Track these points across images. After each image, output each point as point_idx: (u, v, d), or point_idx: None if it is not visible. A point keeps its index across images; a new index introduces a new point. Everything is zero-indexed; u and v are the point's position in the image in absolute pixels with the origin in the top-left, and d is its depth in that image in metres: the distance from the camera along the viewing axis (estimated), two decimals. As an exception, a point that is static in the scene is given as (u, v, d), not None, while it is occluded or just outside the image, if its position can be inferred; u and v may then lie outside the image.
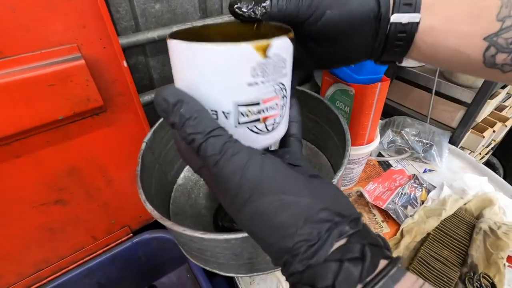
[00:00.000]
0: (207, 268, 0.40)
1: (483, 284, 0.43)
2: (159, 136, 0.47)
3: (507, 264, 0.47)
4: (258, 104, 0.20)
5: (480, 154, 1.07)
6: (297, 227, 0.17)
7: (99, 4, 0.35)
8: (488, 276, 0.44)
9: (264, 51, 0.19)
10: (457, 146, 0.79)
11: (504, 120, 0.96)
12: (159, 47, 0.56)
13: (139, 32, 0.50)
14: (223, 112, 0.20)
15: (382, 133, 0.75)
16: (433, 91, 0.76)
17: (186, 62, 0.20)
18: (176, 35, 0.22)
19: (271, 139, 0.24)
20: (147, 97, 0.55)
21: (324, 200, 0.18)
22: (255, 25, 0.24)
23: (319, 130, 0.51)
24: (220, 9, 0.59)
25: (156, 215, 0.33)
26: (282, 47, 0.20)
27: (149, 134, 0.44)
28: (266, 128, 0.22)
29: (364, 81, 0.51)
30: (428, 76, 0.78)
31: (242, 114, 0.20)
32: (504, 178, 0.85)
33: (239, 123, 0.21)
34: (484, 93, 0.68)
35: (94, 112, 0.41)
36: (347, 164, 0.36)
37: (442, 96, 0.78)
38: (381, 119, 0.78)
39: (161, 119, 0.47)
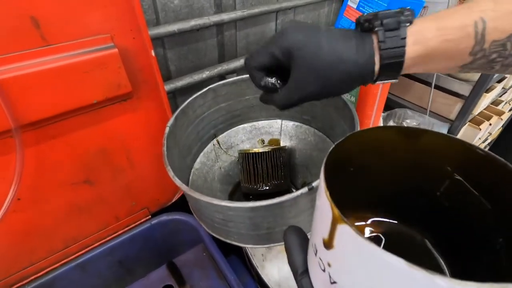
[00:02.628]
0: (228, 241, 0.43)
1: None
2: (180, 121, 0.51)
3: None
4: None
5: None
6: None
7: (131, -3, 0.39)
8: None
9: None
10: (455, 137, 0.83)
11: (500, 114, 1.00)
12: (177, 40, 0.59)
13: (160, 25, 0.53)
14: None
15: (384, 125, 0.79)
16: (433, 85, 0.80)
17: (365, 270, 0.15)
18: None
19: None
20: (166, 86, 0.58)
21: None
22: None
23: (327, 117, 0.55)
24: (233, 5, 0.63)
25: (185, 188, 0.37)
26: None
27: (171, 119, 0.48)
28: None
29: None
30: (428, 70, 0.82)
31: None
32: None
33: None
34: (481, 86, 0.72)
35: (123, 98, 0.45)
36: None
37: (441, 90, 0.82)
38: (383, 111, 0.82)
39: (183, 106, 0.51)
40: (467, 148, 0.20)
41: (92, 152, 0.47)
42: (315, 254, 0.19)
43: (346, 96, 0.60)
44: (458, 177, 0.22)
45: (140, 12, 0.40)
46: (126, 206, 0.56)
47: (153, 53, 0.44)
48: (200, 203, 0.38)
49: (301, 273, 0.22)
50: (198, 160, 0.58)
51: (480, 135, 0.95)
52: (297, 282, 0.22)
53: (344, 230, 0.15)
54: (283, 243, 0.41)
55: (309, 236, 0.23)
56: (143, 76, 0.46)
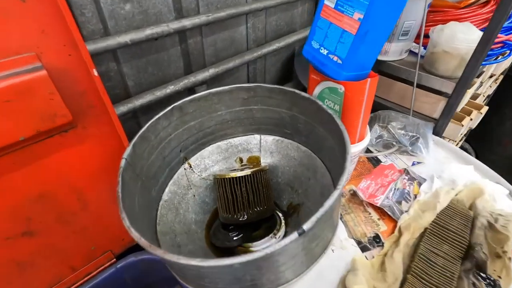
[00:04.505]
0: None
1: (492, 280, 0.43)
2: (139, 149, 0.43)
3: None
4: None
5: (455, 141, 1.10)
6: None
7: (60, 5, 0.31)
8: (495, 271, 0.44)
9: None
10: (440, 136, 0.80)
11: (479, 108, 0.99)
12: (132, 52, 0.51)
13: (109, 37, 0.45)
14: None
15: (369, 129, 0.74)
16: (415, 84, 0.76)
17: None
18: None
19: None
20: (123, 107, 0.50)
21: None
22: None
23: (312, 131, 0.49)
24: (196, 9, 0.55)
25: (144, 243, 0.29)
26: None
27: (128, 149, 0.40)
28: None
29: (352, 77, 0.50)
30: (409, 69, 0.78)
31: None
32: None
33: None
34: (464, 83, 0.69)
35: (63, 128, 0.36)
36: (349, 167, 0.34)
37: (423, 88, 0.79)
38: (366, 114, 0.77)
39: (141, 131, 0.43)
40: None
41: (29, 198, 0.38)
42: None
43: (329, 104, 0.54)
44: None
45: (73, 22, 0.32)
46: (84, 252, 0.47)
47: (95, 72, 0.35)
48: (165, 259, 0.30)
49: None
50: (167, 190, 0.50)
51: (462, 131, 0.94)
52: None
53: None
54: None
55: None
56: (87, 100, 0.37)
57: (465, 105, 0.96)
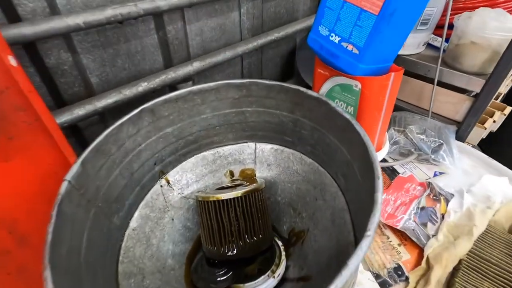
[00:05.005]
0: None
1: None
2: (93, 166, 0.32)
3: None
4: None
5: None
6: None
7: None
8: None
9: None
10: (463, 142, 0.69)
11: (501, 108, 0.89)
12: (94, 40, 0.41)
13: (54, 17, 0.34)
14: None
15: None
16: (435, 81, 0.66)
17: None
18: None
19: None
20: (79, 110, 0.39)
21: None
22: None
23: (320, 140, 0.38)
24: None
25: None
26: None
27: (74, 168, 0.29)
28: None
29: (371, 71, 0.39)
30: (429, 64, 0.67)
31: None
32: None
33: None
34: (496, 80, 0.58)
35: (-28, 142, 0.26)
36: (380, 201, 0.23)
37: (444, 86, 0.69)
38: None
39: (95, 142, 0.32)
40: None
41: None
42: None
43: (340, 106, 0.43)
44: None
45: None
46: (26, 297, 0.37)
47: (12, 61, 0.25)
48: None
49: None
50: (136, 214, 0.39)
51: (484, 135, 0.83)
52: None
53: None
54: None
55: None
56: (9, 102, 0.27)
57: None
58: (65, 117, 0.38)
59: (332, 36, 0.41)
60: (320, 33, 0.42)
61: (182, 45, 0.51)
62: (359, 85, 0.40)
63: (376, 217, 0.21)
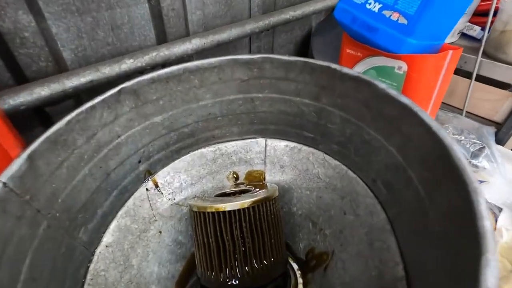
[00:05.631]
0: None
1: None
2: (48, 163, 0.23)
3: None
4: None
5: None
6: None
7: None
8: None
9: None
10: (502, 146, 0.60)
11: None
12: (66, 3, 0.32)
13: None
14: None
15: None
16: (474, 74, 0.57)
17: None
18: None
19: None
20: (41, 90, 0.30)
21: None
22: None
23: (355, 135, 0.29)
24: None
25: None
26: None
27: (14, 165, 0.21)
28: None
29: (420, 49, 0.30)
30: (466, 55, 0.58)
31: None
32: None
33: None
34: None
35: None
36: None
37: (481, 81, 0.60)
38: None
39: (55, 127, 0.24)
40: None
41: None
42: None
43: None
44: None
45: None
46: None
47: None
48: None
49: None
50: (112, 226, 0.30)
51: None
52: None
53: None
54: None
55: None
56: None
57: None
58: (21, 97, 0.29)
59: (370, 4, 0.32)
60: (353, 0, 0.33)
61: (179, 19, 0.42)
62: (404, 67, 0.31)
63: (492, 265, 0.12)
